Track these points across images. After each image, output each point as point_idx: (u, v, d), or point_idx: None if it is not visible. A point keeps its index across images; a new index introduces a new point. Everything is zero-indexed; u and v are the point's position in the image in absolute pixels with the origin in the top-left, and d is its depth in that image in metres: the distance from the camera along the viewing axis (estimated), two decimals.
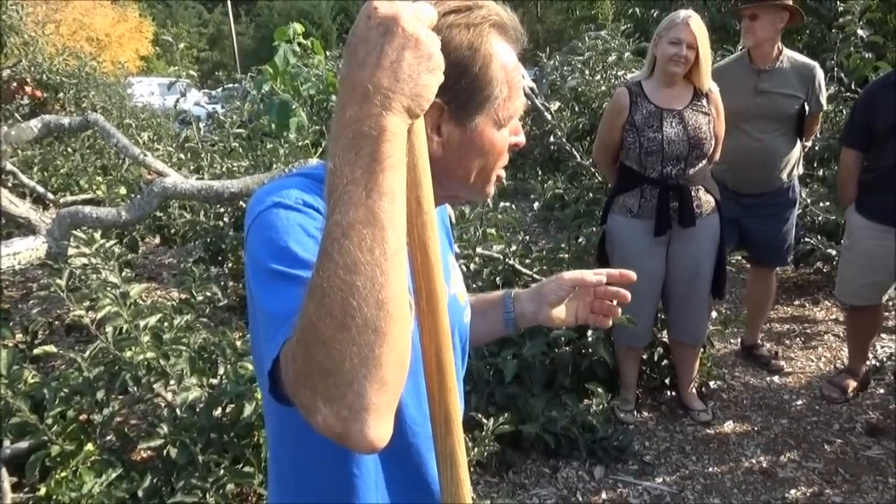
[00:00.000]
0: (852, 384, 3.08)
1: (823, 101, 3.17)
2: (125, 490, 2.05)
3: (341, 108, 0.59)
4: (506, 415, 2.32)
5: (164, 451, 2.11)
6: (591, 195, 3.95)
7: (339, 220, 0.57)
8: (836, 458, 2.68)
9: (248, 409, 2.10)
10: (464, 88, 0.75)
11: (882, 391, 3.12)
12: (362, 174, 0.57)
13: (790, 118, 3.09)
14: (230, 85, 9.85)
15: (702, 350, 3.01)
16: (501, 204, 3.11)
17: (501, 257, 3.10)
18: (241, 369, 2.25)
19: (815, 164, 4.79)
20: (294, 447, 0.85)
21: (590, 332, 2.83)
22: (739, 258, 3.39)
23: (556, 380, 2.83)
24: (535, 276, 3.15)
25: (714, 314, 3.24)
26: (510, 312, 1.12)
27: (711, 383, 3.22)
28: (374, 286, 0.57)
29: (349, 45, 0.61)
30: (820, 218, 4.11)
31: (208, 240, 4.11)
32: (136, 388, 2.25)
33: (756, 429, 2.89)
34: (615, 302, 1.08)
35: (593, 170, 4.35)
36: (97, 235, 2.61)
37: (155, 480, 2.12)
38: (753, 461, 2.68)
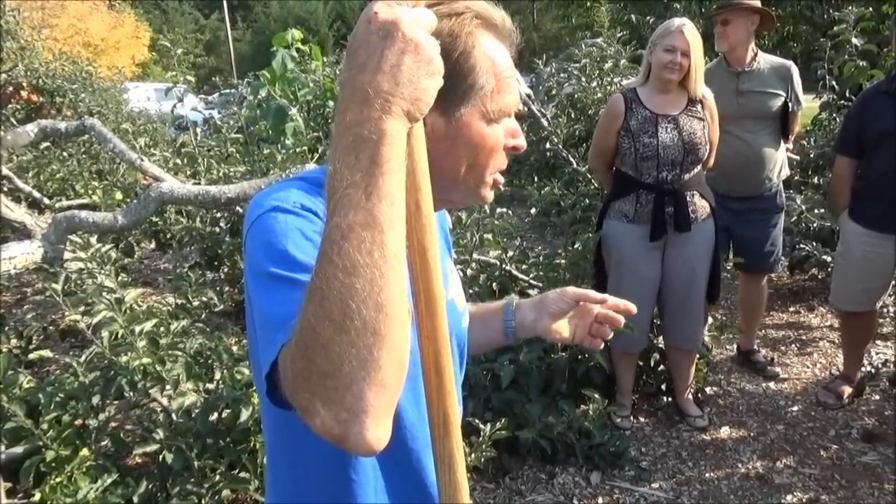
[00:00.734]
0: (848, 390, 3.09)
1: (801, 98, 3.23)
2: (120, 496, 2.04)
3: (341, 111, 0.60)
4: (502, 420, 2.32)
5: (160, 457, 2.10)
6: (587, 201, 3.96)
7: (338, 223, 0.57)
8: (832, 463, 2.69)
9: (244, 415, 2.09)
10: (445, 75, 0.76)
11: (877, 397, 3.13)
12: (362, 177, 0.58)
13: (773, 116, 3.15)
14: (227, 90, 9.85)
15: (698, 356, 3.02)
16: (498, 210, 3.12)
17: (498, 263, 3.11)
18: (237, 374, 2.25)
19: (810, 172, 4.83)
20: (292, 452, 0.84)
21: None
22: (731, 265, 3.41)
23: (553, 385, 2.83)
24: (532, 281, 3.15)
25: (710, 320, 3.25)
26: (510, 321, 1.11)
27: (707, 389, 3.23)
28: (374, 289, 0.57)
29: (350, 48, 0.61)
30: (815, 225, 4.13)
31: (204, 245, 4.10)
32: (131, 394, 2.24)
33: (752, 434, 2.90)
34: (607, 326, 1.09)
35: (589, 176, 4.37)
36: (93, 240, 2.60)
37: (150, 486, 2.12)
38: (749, 467, 2.68)
